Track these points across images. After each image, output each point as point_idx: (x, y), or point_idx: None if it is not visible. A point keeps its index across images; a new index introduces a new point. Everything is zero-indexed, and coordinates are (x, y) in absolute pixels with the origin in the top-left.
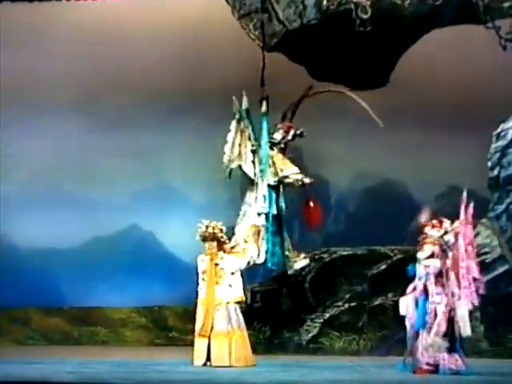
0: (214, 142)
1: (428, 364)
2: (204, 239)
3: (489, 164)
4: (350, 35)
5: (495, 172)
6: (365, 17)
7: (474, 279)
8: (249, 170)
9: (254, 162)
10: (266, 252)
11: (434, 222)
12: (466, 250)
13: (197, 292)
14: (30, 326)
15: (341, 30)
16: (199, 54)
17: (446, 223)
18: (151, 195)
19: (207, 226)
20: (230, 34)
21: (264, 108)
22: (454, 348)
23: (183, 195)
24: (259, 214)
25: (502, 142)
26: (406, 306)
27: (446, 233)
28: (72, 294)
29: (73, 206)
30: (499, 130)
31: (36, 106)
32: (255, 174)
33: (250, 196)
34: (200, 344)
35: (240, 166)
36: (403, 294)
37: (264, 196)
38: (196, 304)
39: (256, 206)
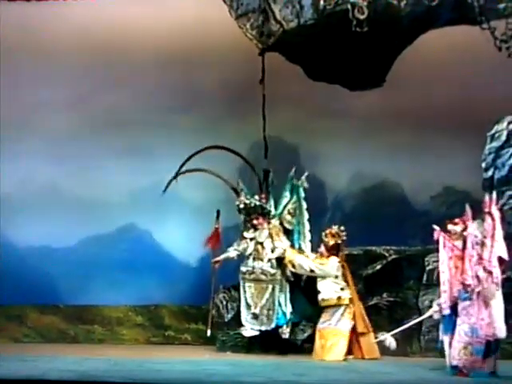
0: (212, 142)
1: (464, 367)
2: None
3: (483, 165)
4: (347, 35)
5: (489, 173)
6: (361, 17)
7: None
8: None
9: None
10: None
11: (456, 220)
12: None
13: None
14: (26, 324)
15: (337, 30)
16: (197, 53)
17: (468, 219)
18: (148, 194)
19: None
20: (228, 34)
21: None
22: (489, 351)
23: (180, 195)
24: None
25: (496, 143)
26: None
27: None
28: (68, 292)
29: (70, 205)
30: (493, 131)
31: (34, 106)
32: None
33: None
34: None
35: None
36: (398, 293)
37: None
38: None
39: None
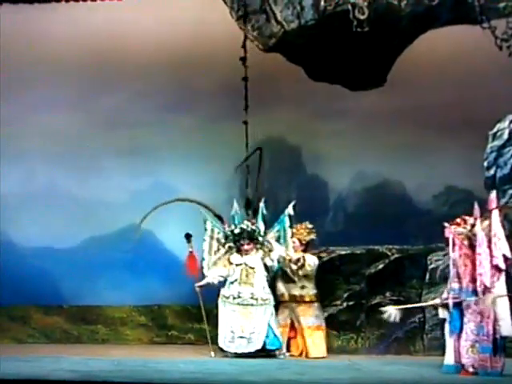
0: (214, 141)
1: (472, 366)
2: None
3: (485, 164)
4: (348, 36)
5: (491, 172)
6: (362, 17)
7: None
8: None
9: None
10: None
11: (458, 220)
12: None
13: None
14: (29, 325)
15: (338, 30)
16: (197, 53)
17: (470, 219)
18: (150, 194)
19: None
20: (228, 35)
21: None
22: (496, 349)
23: (182, 194)
24: None
25: (498, 142)
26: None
27: (472, 226)
28: (72, 292)
29: (72, 205)
30: (495, 129)
31: (34, 106)
32: None
33: None
34: None
35: None
36: (401, 292)
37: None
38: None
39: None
